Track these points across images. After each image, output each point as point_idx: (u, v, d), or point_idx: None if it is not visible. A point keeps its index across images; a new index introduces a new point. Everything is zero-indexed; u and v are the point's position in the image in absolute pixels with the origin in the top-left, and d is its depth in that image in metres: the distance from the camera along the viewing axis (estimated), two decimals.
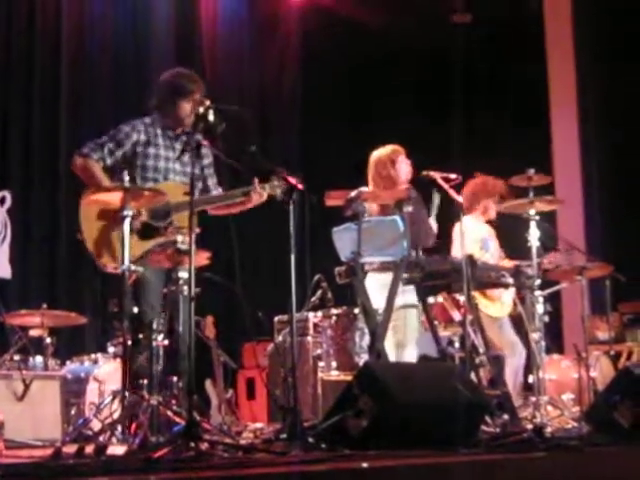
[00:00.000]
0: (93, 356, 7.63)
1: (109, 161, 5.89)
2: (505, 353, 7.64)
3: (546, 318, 6.78)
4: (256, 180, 5.92)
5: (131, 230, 5.57)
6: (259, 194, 5.95)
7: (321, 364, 6.96)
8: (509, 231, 7.69)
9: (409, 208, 6.36)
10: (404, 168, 7.09)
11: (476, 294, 7.26)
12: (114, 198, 5.30)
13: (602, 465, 4.44)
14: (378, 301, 6.37)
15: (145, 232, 5.74)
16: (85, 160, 5.86)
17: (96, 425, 5.36)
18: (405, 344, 6.71)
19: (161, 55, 10.51)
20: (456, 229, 7.70)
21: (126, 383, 5.16)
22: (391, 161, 7.09)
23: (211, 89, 10.58)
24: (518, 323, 7.68)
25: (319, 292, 7.47)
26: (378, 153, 7.20)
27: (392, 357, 6.48)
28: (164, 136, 6.05)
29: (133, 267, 5.28)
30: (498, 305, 7.66)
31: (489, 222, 7.99)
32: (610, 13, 10.68)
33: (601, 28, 10.81)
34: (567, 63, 11.08)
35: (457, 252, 7.39)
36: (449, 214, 7.41)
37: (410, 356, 6.72)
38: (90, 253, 5.77)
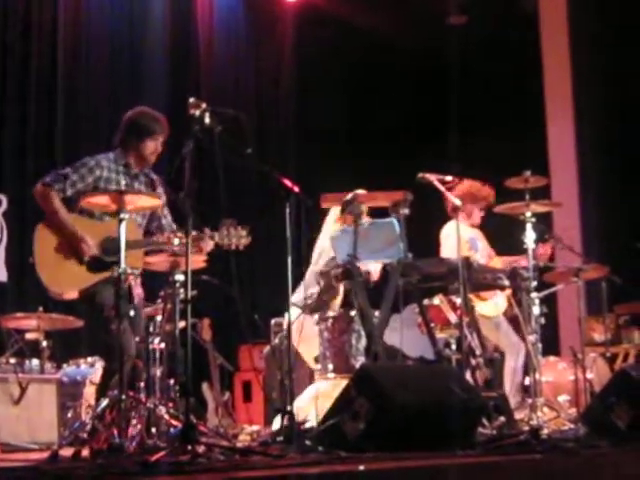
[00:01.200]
0: (89, 359, 7.64)
1: (69, 192, 5.91)
2: (505, 352, 7.66)
3: (542, 320, 6.79)
4: (207, 229, 5.92)
5: (82, 261, 5.64)
6: (206, 243, 5.94)
7: (317, 366, 6.96)
8: (503, 231, 7.70)
9: (405, 210, 6.36)
10: None
11: (469, 295, 7.28)
12: (108, 200, 5.33)
13: (599, 467, 4.44)
14: None
15: (94, 266, 5.75)
16: (46, 189, 5.89)
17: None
18: None
19: (157, 57, 10.54)
20: (444, 231, 7.73)
21: (123, 385, 5.15)
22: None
23: (206, 89, 10.70)
24: (515, 324, 7.67)
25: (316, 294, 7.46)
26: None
27: None
28: (125, 174, 6.09)
29: (129, 270, 5.28)
30: (491, 304, 7.66)
31: (474, 226, 8.01)
32: (606, 15, 10.69)
33: (597, 29, 10.81)
34: (563, 64, 11.07)
35: (446, 254, 7.41)
36: (439, 217, 7.45)
37: None
38: (39, 279, 5.78)
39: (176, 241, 5.66)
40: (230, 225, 5.90)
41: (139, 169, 6.16)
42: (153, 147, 6.11)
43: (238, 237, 5.92)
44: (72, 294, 5.84)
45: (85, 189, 5.91)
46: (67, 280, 5.78)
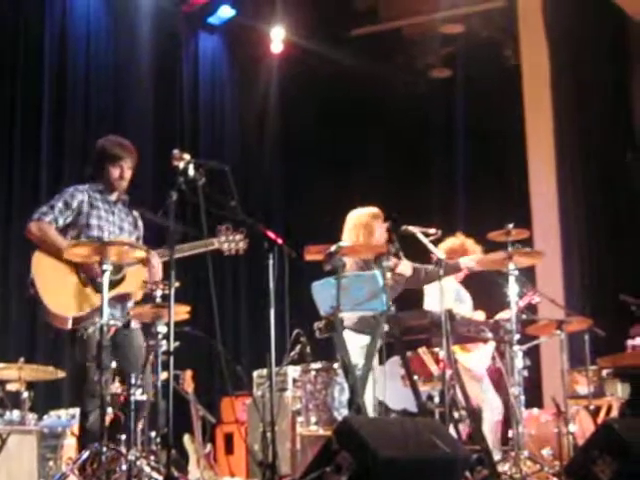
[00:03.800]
0: (71, 410, 7.58)
1: (61, 221, 5.97)
2: (482, 407, 7.64)
3: (525, 372, 6.78)
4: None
5: (87, 282, 5.73)
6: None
7: (300, 419, 6.93)
8: (482, 286, 7.72)
9: (389, 263, 6.36)
10: (381, 233, 7.05)
11: (456, 348, 7.26)
12: (91, 252, 5.34)
13: None
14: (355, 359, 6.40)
15: (99, 285, 5.74)
16: (38, 224, 5.93)
17: None
18: None
19: (141, 105, 10.60)
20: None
21: (103, 437, 5.12)
22: (369, 228, 7.05)
23: (191, 141, 10.75)
24: (498, 377, 7.67)
25: (298, 347, 7.45)
26: (357, 216, 7.17)
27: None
28: (102, 200, 6.15)
29: (112, 321, 5.29)
30: (475, 357, 7.66)
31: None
32: (587, 64, 10.79)
33: (579, 80, 10.90)
34: (545, 116, 11.12)
35: (431, 305, 7.39)
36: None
37: None
38: (44, 307, 5.76)
39: (158, 292, 5.69)
40: (227, 230, 5.97)
41: (115, 197, 6.19)
42: (117, 173, 6.14)
43: (236, 241, 5.99)
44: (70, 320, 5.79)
45: (72, 215, 5.98)
46: (72, 302, 5.74)
